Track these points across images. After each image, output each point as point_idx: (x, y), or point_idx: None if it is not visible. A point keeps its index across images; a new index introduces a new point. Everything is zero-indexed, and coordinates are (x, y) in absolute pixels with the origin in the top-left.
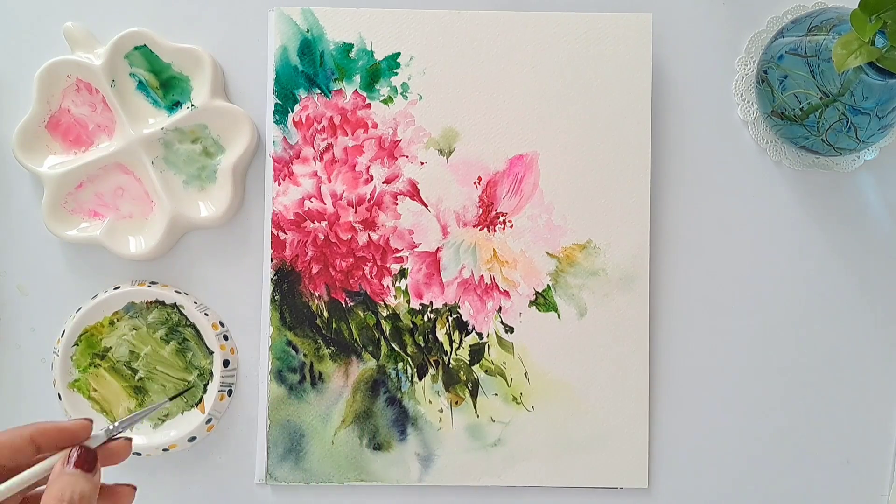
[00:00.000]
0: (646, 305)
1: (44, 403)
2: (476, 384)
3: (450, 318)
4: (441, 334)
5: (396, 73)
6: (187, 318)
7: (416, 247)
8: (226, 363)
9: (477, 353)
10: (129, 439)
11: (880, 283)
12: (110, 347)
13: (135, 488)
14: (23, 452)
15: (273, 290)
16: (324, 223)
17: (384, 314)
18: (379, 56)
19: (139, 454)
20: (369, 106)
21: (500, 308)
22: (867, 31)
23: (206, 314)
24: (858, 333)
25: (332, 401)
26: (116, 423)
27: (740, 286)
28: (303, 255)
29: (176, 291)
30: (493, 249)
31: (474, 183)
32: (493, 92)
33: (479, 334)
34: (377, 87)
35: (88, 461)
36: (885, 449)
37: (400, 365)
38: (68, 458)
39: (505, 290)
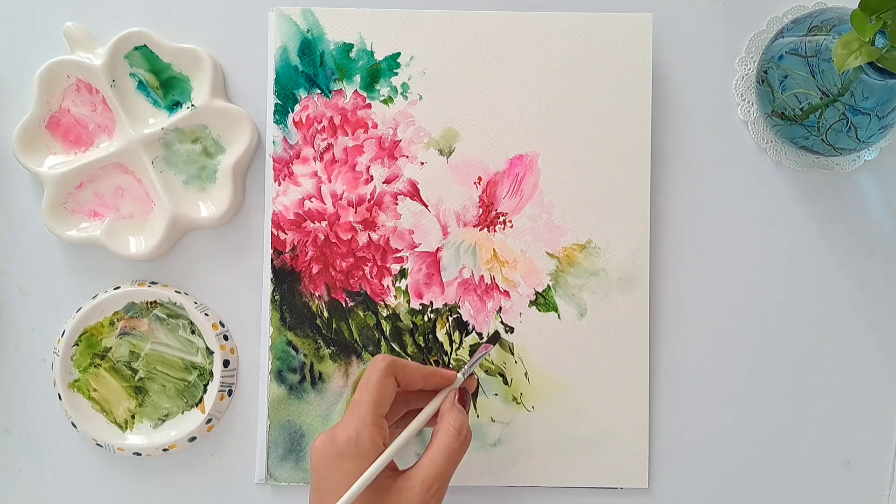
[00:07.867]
0: (646, 305)
1: (44, 403)
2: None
3: (450, 319)
4: (441, 334)
5: (396, 73)
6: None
7: (416, 247)
8: (226, 363)
9: None
10: (474, 374)
11: (880, 283)
12: (110, 347)
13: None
14: (422, 385)
15: (273, 290)
16: (324, 223)
17: (384, 314)
18: (379, 56)
19: (139, 454)
20: (369, 106)
21: (501, 308)
22: (867, 31)
23: (206, 314)
24: (858, 333)
25: (332, 401)
26: (465, 368)
27: (740, 286)
28: (303, 256)
29: (176, 291)
30: (493, 249)
31: (474, 183)
32: (493, 92)
33: (480, 334)
34: (377, 87)
35: (466, 400)
36: (885, 450)
37: None
38: (456, 397)
39: (505, 290)
